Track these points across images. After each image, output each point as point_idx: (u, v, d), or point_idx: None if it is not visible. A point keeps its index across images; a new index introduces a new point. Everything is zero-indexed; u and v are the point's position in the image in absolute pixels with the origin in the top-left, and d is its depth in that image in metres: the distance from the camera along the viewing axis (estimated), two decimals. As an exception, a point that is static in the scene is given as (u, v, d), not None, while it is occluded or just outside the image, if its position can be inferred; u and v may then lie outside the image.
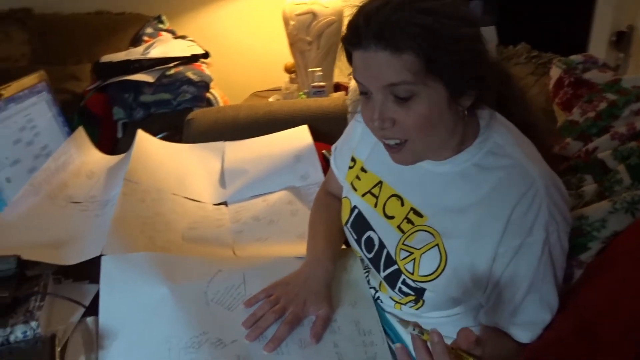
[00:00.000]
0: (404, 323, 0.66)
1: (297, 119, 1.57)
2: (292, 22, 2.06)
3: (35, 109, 1.31)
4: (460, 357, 0.62)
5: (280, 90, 2.22)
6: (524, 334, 0.80)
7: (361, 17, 0.73)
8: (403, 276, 0.86)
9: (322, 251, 0.99)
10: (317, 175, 1.33)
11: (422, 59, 0.71)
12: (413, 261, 0.84)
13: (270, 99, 2.08)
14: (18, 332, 0.82)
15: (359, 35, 0.73)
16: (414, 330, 0.63)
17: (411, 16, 0.70)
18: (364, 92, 0.78)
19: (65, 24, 2.33)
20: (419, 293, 0.84)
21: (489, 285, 0.82)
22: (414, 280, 0.84)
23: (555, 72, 1.12)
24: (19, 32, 2.30)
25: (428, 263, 0.83)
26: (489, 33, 1.47)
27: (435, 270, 0.82)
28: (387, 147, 0.81)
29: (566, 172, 0.99)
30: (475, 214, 0.80)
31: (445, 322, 0.89)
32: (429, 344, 0.63)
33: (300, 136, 1.46)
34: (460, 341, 0.62)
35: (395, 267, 0.87)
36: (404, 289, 0.86)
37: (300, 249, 1.03)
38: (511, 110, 0.85)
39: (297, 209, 1.25)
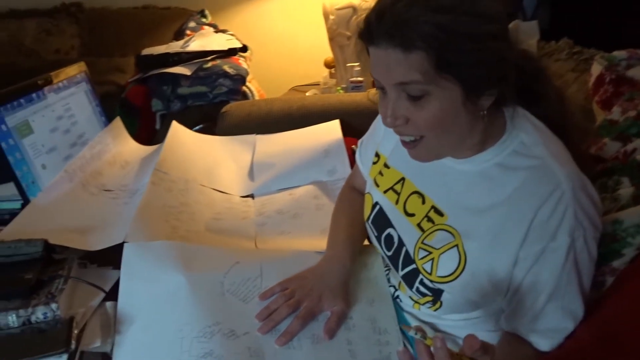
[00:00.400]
0: (407, 328, 0.64)
1: (331, 114, 1.56)
2: (332, 17, 2.05)
3: (73, 98, 1.35)
4: None
5: (318, 85, 2.22)
6: (544, 342, 0.77)
7: (374, 13, 0.72)
8: (421, 276, 0.84)
9: (342, 247, 0.98)
10: (345, 171, 1.31)
11: (433, 58, 0.68)
12: (431, 261, 0.82)
13: (308, 94, 2.08)
14: (39, 313, 0.85)
15: (372, 31, 0.71)
16: (416, 334, 0.61)
17: (424, 14, 0.67)
18: (380, 88, 0.76)
19: (113, 18, 2.41)
20: (437, 294, 0.82)
21: (509, 290, 0.78)
22: (431, 281, 0.82)
23: (596, 69, 1.06)
24: (70, 26, 2.40)
25: (446, 264, 0.81)
26: (531, 28, 1.42)
27: (454, 272, 0.80)
28: (403, 143, 0.79)
29: (602, 174, 0.93)
30: (497, 216, 0.77)
31: (464, 325, 0.86)
32: (432, 348, 0.60)
33: (330, 131, 1.45)
34: (465, 347, 0.60)
35: (414, 266, 0.85)
36: (422, 289, 0.84)
37: (321, 244, 1.02)
38: (544, 108, 0.81)
39: (322, 203, 1.24)
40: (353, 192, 1.10)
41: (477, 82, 0.71)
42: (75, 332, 0.83)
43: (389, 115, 0.75)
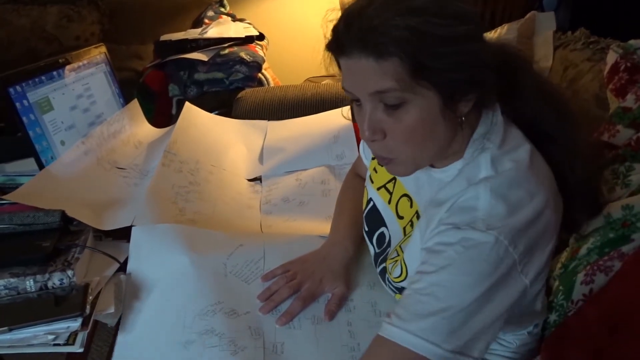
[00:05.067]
0: None
1: (345, 101, 1.57)
2: (348, 8, 2.05)
3: (93, 79, 1.38)
4: None
5: (334, 76, 2.23)
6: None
7: (342, 22, 0.68)
8: (387, 274, 0.84)
9: (345, 231, 0.99)
10: (353, 156, 1.30)
11: (408, 64, 0.64)
12: (394, 262, 0.82)
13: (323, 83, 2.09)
14: (55, 279, 0.87)
15: (341, 41, 0.67)
16: None
17: (394, 18, 0.63)
18: (354, 100, 0.72)
19: (133, 6, 2.43)
20: (402, 292, 0.81)
21: None
22: (392, 280, 0.83)
23: (611, 57, 1.05)
24: (90, 13, 2.43)
25: (398, 266, 0.81)
26: (548, 19, 1.41)
27: (400, 274, 0.80)
28: (379, 158, 0.76)
29: (614, 160, 0.93)
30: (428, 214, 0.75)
31: None
32: None
33: (340, 117, 1.46)
34: None
35: (384, 264, 0.86)
36: (390, 285, 0.85)
37: (326, 228, 1.03)
38: (523, 102, 0.77)
39: (329, 189, 1.25)
40: (357, 178, 1.10)
41: (455, 87, 0.67)
42: (90, 298, 0.86)
43: (366, 128, 0.70)
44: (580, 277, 0.82)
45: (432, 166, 0.79)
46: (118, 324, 0.86)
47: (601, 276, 0.81)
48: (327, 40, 0.71)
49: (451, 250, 0.66)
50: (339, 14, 0.70)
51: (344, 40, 0.67)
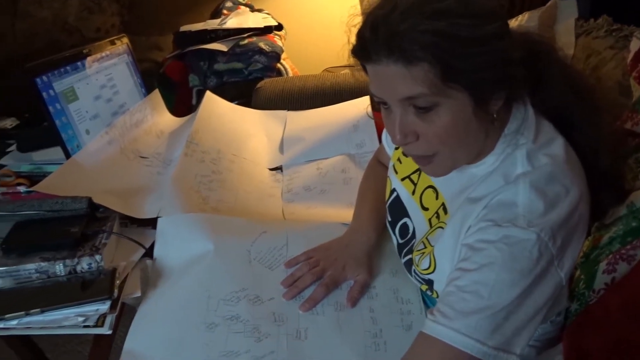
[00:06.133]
0: None
1: (363, 91, 1.56)
2: (367, -2, 2.05)
3: (115, 69, 1.40)
4: None
5: (353, 66, 2.22)
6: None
7: (368, 28, 0.66)
8: (413, 266, 0.85)
9: (367, 219, 1.00)
10: (373, 145, 1.33)
11: (438, 68, 0.63)
12: (421, 254, 0.82)
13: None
14: (84, 264, 0.90)
15: (368, 47, 0.66)
16: None
17: (421, 22, 0.63)
18: (381, 103, 0.72)
19: (152, -3, 2.46)
20: (429, 284, 0.82)
21: None
22: (419, 272, 0.83)
23: (635, 45, 1.04)
24: (110, 5, 2.47)
25: (425, 260, 0.81)
26: (569, 6, 1.40)
27: (429, 267, 0.80)
28: (416, 158, 0.75)
29: (638, 148, 0.93)
30: (462, 209, 0.75)
31: None
32: None
33: (360, 106, 1.47)
34: None
35: (410, 256, 0.86)
36: (417, 277, 0.85)
37: (348, 216, 1.04)
38: (549, 91, 0.76)
39: (350, 177, 1.26)
40: (380, 166, 1.10)
41: (485, 86, 0.67)
42: (118, 282, 0.88)
43: (397, 133, 0.70)
44: (602, 266, 0.82)
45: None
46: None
47: (623, 265, 0.81)
48: (351, 46, 0.71)
49: (493, 248, 0.66)
50: (361, 18, 0.70)
51: (371, 46, 0.66)
